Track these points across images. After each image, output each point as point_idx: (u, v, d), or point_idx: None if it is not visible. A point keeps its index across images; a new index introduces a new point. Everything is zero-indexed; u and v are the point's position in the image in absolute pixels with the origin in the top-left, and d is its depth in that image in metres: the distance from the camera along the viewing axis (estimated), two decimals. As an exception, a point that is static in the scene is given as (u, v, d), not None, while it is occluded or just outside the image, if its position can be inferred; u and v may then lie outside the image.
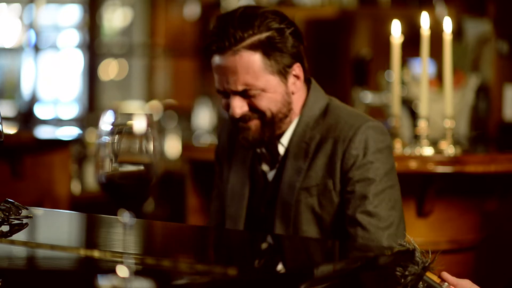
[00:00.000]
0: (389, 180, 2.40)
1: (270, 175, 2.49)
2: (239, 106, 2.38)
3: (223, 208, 2.61)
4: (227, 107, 2.42)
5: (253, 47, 2.35)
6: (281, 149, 2.47)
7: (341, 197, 2.39)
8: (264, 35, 2.35)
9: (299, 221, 2.41)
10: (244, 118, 2.40)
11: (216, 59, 2.38)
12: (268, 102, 2.38)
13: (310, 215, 2.41)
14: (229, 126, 2.60)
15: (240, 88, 2.36)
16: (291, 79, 2.42)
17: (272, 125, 2.41)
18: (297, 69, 2.42)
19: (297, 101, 2.46)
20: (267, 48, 2.36)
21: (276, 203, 2.44)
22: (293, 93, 2.43)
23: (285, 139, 2.46)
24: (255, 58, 2.35)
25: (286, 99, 2.42)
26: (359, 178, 2.37)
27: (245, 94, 2.38)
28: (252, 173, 2.52)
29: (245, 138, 2.42)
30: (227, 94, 2.40)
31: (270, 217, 2.46)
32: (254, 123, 2.40)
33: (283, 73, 2.39)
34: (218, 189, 2.64)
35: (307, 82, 2.49)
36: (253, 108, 2.39)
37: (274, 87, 2.38)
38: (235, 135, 2.48)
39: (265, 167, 2.50)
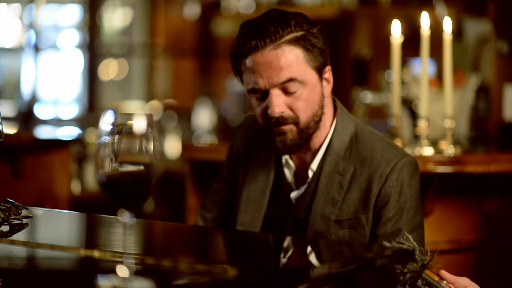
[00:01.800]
0: (418, 217, 2.42)
1: (295, 194, 2.47)
2: (278, 105, 2.35)
3: (226, 203, 2.60)
4: (262, 111, 2.38)
5: (293, 42, 2.35)
6: (310, 173, 2.44)
7: (371, 232, 2.38)
8: (300, 33, 2.36)
9: None
10: (280, 121, 2.36)
11: (255, 57, 2.35)
12: (307, 103, 2.36)
13: None
14: (248, 130, 2.58)
15: (282, 79, 2.33)
16: (324, 81, 2.42)
17: (308, 130, 2.39)
18: (328, 72, 2.42)
19: (328, 112, 2.45)
20: (305, 44, 2.36)
21: (307, 232, 2.41)
22: (324, 97, 2.42)
23: (314, 164, 2.44)
24: (298, 52, 2.35)
25: (322, 101, 2.41)
26: (392, 216, 2.37)
27: (286, 90, 2.35)
28: (275, 184, 2.50)
29: (283, 142, 2.38)
30: (264, 94, 2.37)
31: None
32: (290, 128, 2.38)
33: (320, 72, 2.40)
34: (224, 183, 2.62)
35: (333, 101, 2.48)
36: (291, 108, 2.36)
37: (314, 83, 2.38)
38: (269, 141, 2.42)
39: (290, 179, 2.48)
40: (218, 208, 2.62)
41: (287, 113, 2.37)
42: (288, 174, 2.48)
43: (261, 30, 2.35)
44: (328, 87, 2.43)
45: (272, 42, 2.34)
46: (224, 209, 2.61)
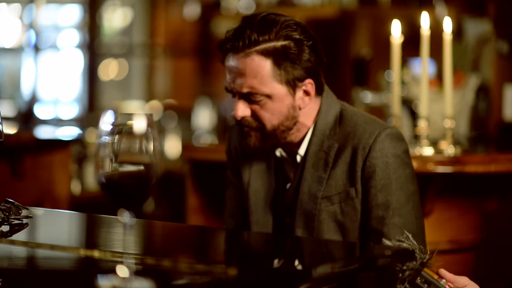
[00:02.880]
0: (411, 185, 2.42)
1: (289, 184, 2.49)
2: (241, 109, 2.38)
3: (240, 208, 2.60)
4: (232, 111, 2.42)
5: (264, 53, 2.34)
6: (299, 159, 2.46)
7: (363, 204, 2.39)
8: (279, 43, 2.34)
9: (321, 230, 2.40)
10: (244, 123, 2.40)
11: (229, 59, 2.39)
12: (271, 113, 2.37)
13: (332, 223, 2.40)
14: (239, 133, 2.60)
15: (245, 90, 2.36)
16: (299, 93, 2.39)
17: (273, 136, 2.40)
18: (308, 85, 2.40)
19: (310, 112, 2.44)
20: (279, 57, 2.34)
21: (296, 213, 2.43)
22: (300, 108, 2.40)
23: (302, 149, 2.45)
24: (265, 64, 2.34)
25: (291, 113, 2.40)
26: (381, 187, 2.37)
27: (250, 99, 2.37)
28: (276, 174, 2.52)
29: (247, 144, 2.42)
30: (234, 94, 2.40)
31: (290, 226, 2.45)
32: (254, 134, 2.40)
33: (292, 85, 2.37)
34: (234, 187, 2.62)
35: (321, 91, 2.47)
36: (255, 115, 2.38)
37: (280, 97, 2.37)
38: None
39: (291, 173, 2.49)
40: (236, 216, 2.62)
41: (250, 119, 2.39)
42: (286, 165, 2.50)
43: (240, 33, 2.36)
44: (306, 99, 2.40)
45: (244, 49, 2.35)
46: (242, 215, 2.61)
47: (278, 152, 2.49)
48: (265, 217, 2.50)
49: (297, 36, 2.36)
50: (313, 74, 2.39)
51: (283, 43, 2.34)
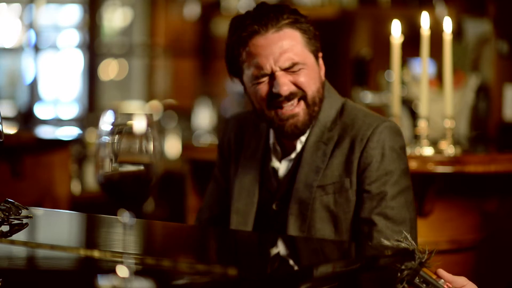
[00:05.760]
0: (405, 180, 2.43)
1: (281, 172, 2.51)
2: (286, 83, 2.40)
3: (220, 202, 2.62)
4: (267, 94, 2.42)
5: (293, 25, 2.42)
6: (299, 146, 2.49)
7: (357, 195, 2.40)
8: (296, 17, 2.45)
9: (313, 219, 2.42)
10: (291, 97, 2.41)
11: (258, 41, 2.41)
12: (309, 79, 2.42)
13: (325, 213, 2.41)
14: (239, 122, 2.62)
15: (287, 63, 2.40)
16: (320, 65, 2.49)
17: (314, 106, 2.44)
18: (321, 59, 2.49)
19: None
20: (303, 28, 2.44)
21: (290, 201, 2.45)
22: (322, 80, 2.48)
23: (303, 137, 2.48)
24: (297, 34, 2.42)
25: (322, 81, 2.47)
26: (376, 178, 2.39)
27: (290, 71, 2.41)
28: (262, 169, 2.53)
29: (295, 125, 2.43)
30: (270, 77, 2.41)
31: (282, 214, 2.46)
32: (301, 107, 2.43)
33: (316, 56, 2.47)
34: (216, 182, 2.65)
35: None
36: (297, 85, 2.42)
37: (313, 65, 2.45)
38: (275, 128, 2.47)
39: (276, 164, 2.51)
40: (212, 209, 2.64)
41: (294, 89, 2.42)
42: (275, 157, 2.52)
43: (261, 16, 2.43)
44: (322, 72, 2.49)
45: (274, 26, 2.41)
46: (218, 209, 2.63)
47: (271, 144, 2.52)
48: (247, 207, 2.52)
49: (300, 16, 2.46)
50: (321, 49, 2.50)
51: (297, 17, 2.44)
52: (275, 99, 2.41)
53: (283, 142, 2.52)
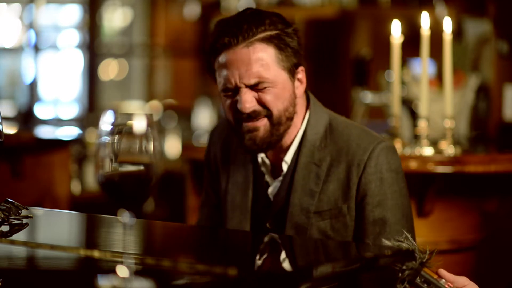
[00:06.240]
0: (404, 200, 2.39)
1: (271, 190, 2.46)
2: (249, 101, 2.34)
3: (212, 216, 2.58)
4: (232, 107, 2.37)
5: (265, 40, 2.34)
6: (285, 167, 2.43)
7: (357, 221, 2.37)
8: (274, 32, 2.35)
9: None
10: (252, 115, 2.35)
11: (227, 54, 2.35)
12: (276, 98, 2.35)
13: (321, 238, 2.39)
14: (222, 133, 2.56)
15: (252, 81, 2.33)
16: (296, 82, 2.40)
17: (279, 126, 2.37)
18: (301, 72, 2.41)
19: (299, 110, 2.43)
20: (279, 42, 2.35)
21: (286, 225, 2.40)
22: (295, 97, 2.40)
23: (288, 156, 2.43)
24: (270, 50, 2.34)
25: (293, 99, 2.39)
26: (377, 204, 2.35)
27: (256, 88, 2.35)
28: (254, 184, 2.49)
29: (252, 140, 2.37)
30: (235, 91, 2.36)
31: (276, 233, 2.43)
32: (263, 123, 2.36)
33: (292, 72, 2.38)
34: (208, 196, 2.60)
35: (306, 96, 2.47)
36: (261, 103, 2.35)
37: (284, 83, 2.36)
38: (238, 139, 2.41)
39: (268, 178, 2.46)
40: (210, 223, 2.60)
41: (258, 107, 2.35)
42: (266, 172, 2.47)
43: (234, 28, 2.34)
44: (300, 88, 2.41)
45: (245, 40, 2.33)
46: (212, 222, 2.60)
47: (260, 157, 2.46)
48: (241, 224, 2.47)
49: (285, 25, 2.38)
50: (302, 62, 2.41)
51: (277, 31, 2.35)
52: (238, 114, 2.36)
53: (270, 159, 2.46)
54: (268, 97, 2.35)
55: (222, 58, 2.36)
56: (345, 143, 2.40)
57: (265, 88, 2.34)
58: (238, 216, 2.49)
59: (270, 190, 2.46)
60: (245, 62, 2.33)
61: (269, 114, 2.36)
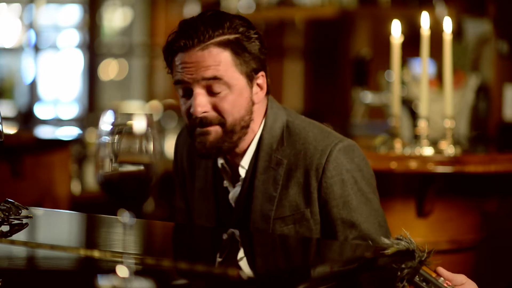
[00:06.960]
0: (369, 194, 2.35)
1: (231, 195, 2.42)
2: (201, 105, 2.29)
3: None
4: (188, 110, 2.32)
5: (222, 45, 2.29)
6: (242, 171, 2.38)
7: (324, 224, 2.33)
8: (233, 36, 2.30)
9: None
10: (204, 121, 2.30)
11: (183, 56, 2.31)
12: (232, 105, 2.30)
13: None
14: (187, 139, 2.48)
15: (207, 75, 2.27)
16: (254, 87, 2.35)
17: (232, 134, 2.32)
18: (261, 78, 2.35)
19: (258, 114, 2.38)
20: (237, 47, 2.30)
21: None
22: (253, 104, 2.35)
23: (245, 161, 2.38)
24: (226, 55, 2.29)
25: (250, 107, 2.34)
26: (342, 206, 2.31)
27: (211, 90, 2.29)
28: (215, 189, 2.45)
29: (202, 143, 2.32)
30: (189, 91, 2.31)
31: None
32: (215, 129, 2.30)
33: (250, 77, 2.33)
34: (180, 203, 2.58)
35: (268, 90, 2.40)
36: (215, 109, 2.30)
37: (241, 88, 2.31)
38: (191, 141, 2.37)
39: (227, 183, 2.42)
40: None
41: (211, 113, 2.30)
42: (225, 178, 2.43)
43: (191, 30, 2.31)
44: (260, 94, 2.36)
45: (200, 43, 2.29)
46: None
47: (220, 163, 2.42)
48: None
49: (247, 29, 2.33)
50: (264, 67, 2.36)
51: (236, 35, 2.31)
52: (191, 119, 2.31)
53: (230, 164, 2.41)
54: (225, 105, 2.29)
55: (177, 60, 2.33)
56: (302, 146, 2.35)
57: (220, 92, 2.28)
58: (204, 223, 2.45)
59: (230, 195, 2.42)
60: (199, 66, 2.28)
61: (222, 122, 2.31)
